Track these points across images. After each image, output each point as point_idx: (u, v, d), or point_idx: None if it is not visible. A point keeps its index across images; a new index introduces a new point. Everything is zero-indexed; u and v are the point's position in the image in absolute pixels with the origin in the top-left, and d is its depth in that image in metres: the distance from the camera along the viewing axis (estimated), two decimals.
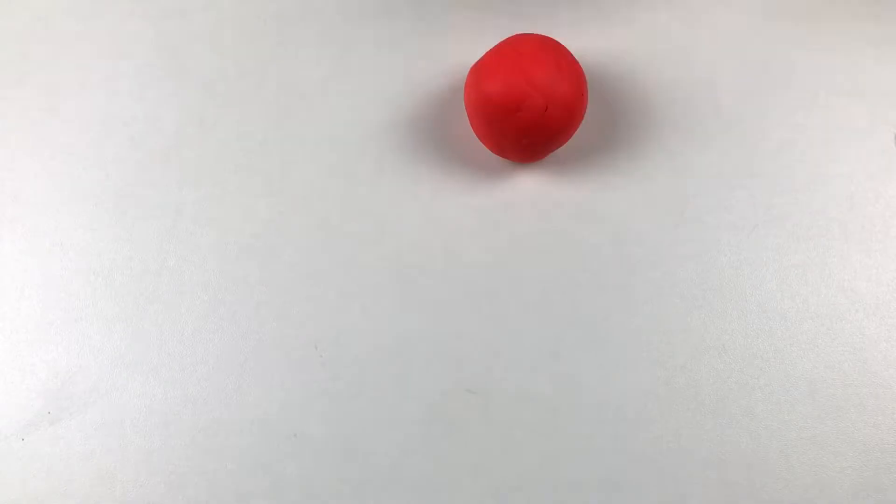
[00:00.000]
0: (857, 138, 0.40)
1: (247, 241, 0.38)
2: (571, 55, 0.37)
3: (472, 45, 0.40)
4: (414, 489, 0.35)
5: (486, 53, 0.37)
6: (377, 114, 0.40)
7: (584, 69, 0.40)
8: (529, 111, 0.35)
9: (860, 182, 0.39)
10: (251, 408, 0.36)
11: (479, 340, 0.37)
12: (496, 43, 0.39)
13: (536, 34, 0.38)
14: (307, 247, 0.38)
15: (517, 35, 0.38)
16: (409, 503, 0.35)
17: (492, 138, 0.37)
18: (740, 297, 0.37)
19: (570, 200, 0.39)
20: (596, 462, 0.35)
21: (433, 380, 0.36)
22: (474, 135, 0.39)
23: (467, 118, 0.39)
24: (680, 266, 0.38)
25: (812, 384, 0.36)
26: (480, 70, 0.37)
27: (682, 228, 0.38)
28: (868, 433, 0.35)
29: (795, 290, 0.37)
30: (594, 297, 0.37)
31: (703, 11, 0.42)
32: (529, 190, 0.39)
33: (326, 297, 0.37)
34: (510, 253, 0.38)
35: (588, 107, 0.40)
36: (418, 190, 0.39)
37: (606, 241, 0.38)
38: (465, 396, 0.36)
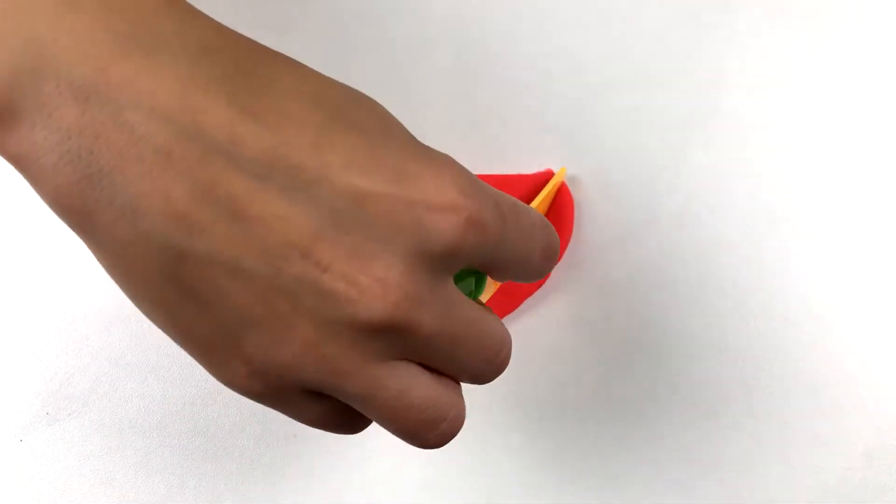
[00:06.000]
0: (857, 138, 0.40)
1: None
2: None
3: None
4: (414, 489, 0.35)
5: None
6: None
7: None
8: None
9: (860, 183, 0.39)
10: (251, 408, 0.36)
11: None
12: None
13: None
14: None
15: None
16: (409, 503, 0.35)
17: None
18: (740, 297, 0.37)
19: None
20: (596, 462, 0.35)
21: None
22: None
23: None
24: (680, 266, 0.38)
25: (812, 384, 0.36)
26: None
27: (682, 229, 0.38)
28: (868, 434, 0.35)
29: (796, 290, 0.37)
30: (593, 297, 0.37)
31: (705, 11, 0.42)
32: None
33: None
34: None
35: None
36: None
37: (606, 241, 0.38)
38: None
